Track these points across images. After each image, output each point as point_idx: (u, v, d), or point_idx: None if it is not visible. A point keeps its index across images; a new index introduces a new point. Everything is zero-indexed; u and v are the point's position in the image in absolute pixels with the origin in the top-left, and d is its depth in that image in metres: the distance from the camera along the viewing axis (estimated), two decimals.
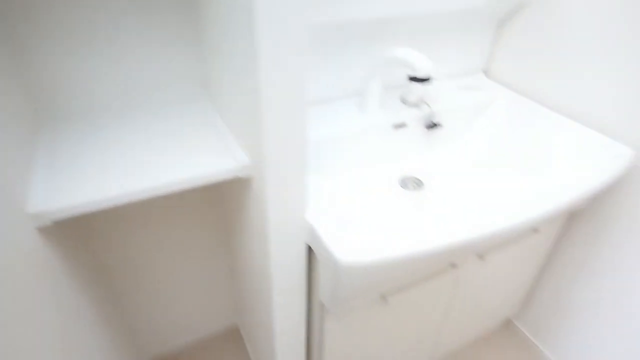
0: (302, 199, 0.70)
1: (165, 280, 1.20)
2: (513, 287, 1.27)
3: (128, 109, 0.86)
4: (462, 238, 0.72)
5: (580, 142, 1.03)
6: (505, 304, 1.34)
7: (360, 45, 1.03)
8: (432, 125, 1.12)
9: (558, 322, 1.32)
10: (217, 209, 1.14)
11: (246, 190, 0.78)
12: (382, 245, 0.68)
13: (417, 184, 1.06)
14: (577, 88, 1.07)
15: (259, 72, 0.53)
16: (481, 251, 0.99)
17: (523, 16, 1.16)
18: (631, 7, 0.91)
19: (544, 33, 1.11)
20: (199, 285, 1.28)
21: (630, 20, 0.92)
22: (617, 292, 1.11)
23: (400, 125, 1.08)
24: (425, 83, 0.91)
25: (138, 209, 1.02)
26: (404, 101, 1.12)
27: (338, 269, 0.66)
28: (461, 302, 1.13)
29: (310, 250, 0.79)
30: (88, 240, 0.98)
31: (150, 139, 0.76)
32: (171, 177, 0.65)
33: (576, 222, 1.17)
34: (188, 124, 0.82)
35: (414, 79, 0.92)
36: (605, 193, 1.08)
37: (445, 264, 0.93)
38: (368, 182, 1.03)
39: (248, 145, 0.69)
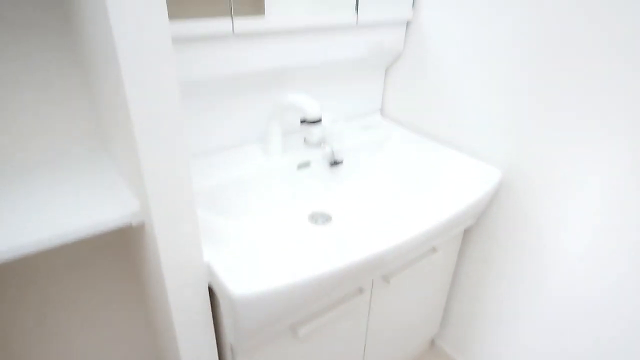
0: (196, 241, 0.73)
1: (76, 338, 1.13)
2: (427, 307, 1.35)
3: (20, 167, 0.85)
4: (358, 258, 0.78)
5: (460, 167, 1.17)
6: (426, 325, 1.41)
7: (259, 93, 1.12)
8: (335, 163, 1.21)
9: (473, 336, 1.41)
10: (127, 259, 1.12)
11: (142, 237, 0.79)
12: (279, 274, 0.72)
13: (326, 218, 1.12)
14: (455, 121, 1.23)
15: (133, 125, 0.57)
16: (385, 273, 1.06)
17: (403, 63, 1.33)
18: (489, 54, 1.09)
19: (421, 76, 1.28)
20: (117, 341, 1.21)
21: (490, 64, 1.10)
22: (511, 299, 1.23)
23: (304, 165, 1.16)
24: (316, 125, 1.01)
25: (40, 263, 0.97)
26: (307, 142, 1.21)
27: (233, 301, 0.68)
28: (378, 328, 1.18)
29: (212, 291, 0.80)
30: None
31: (39, 193, 0.76)
32: (55, 230, 0.65)
33: (471, 239, 1.30)
34: (80, 175, 0.83)
35: (305, 121, 1.01)
36: (487, 210, 1.22)
37: (352, 289, 0.99)
38: (276, 221, 1.08)
39: (138, 193, 0.71)
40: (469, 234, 1.30)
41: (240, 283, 0.69)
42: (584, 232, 1.00)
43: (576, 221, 1.01)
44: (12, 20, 0.76)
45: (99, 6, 0.53)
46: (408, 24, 1.27)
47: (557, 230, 1.06)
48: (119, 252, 1.10)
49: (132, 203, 0.73)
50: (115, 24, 0.51)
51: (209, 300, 0.81)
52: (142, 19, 0.53)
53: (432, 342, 1.58)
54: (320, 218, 1.12)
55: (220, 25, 0.90)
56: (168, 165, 0.63)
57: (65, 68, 0.83)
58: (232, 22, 0.91)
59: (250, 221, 1.04)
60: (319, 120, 1.01)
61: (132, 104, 0.56)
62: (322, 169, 1.20)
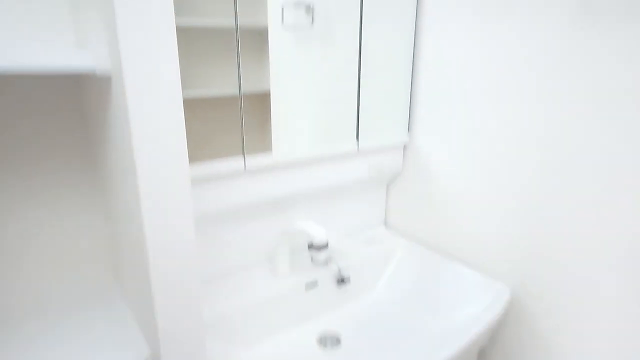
0: None
1: None
2: None
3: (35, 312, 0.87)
4: None
5: (466, 284, 1.18)
6: None
7: (267, 218, 1.18)
8: (342, 281, 1.22)
9: None
10: None
11: None
12: None
13: (335, 341, 1.10)
14: (458, 234, 1.27)
15: (149, 267, 0.61)
16: None
17: (403, 180, 1.42)
18: (481, 170, 1.18)
19: (421, 192, 1.35)
20: None
21: (489, 180, 1.18)
22: None
23: (312, 285, 1.17)
24: (323, 249, 1.05)
25: None
26: (313, 261, 1.24)
27: None
28: None
29: None
30: None
31: (55, 336, 0.77)
32: None
33: (485, 357, 1.25)
34: (91, 316, 0.85)
35: (312, 246, 1.06)
36: (499, 328, 1.19)
37: None
38: (285, 346, 1.06)
39: (148, 337, 0.73)
40: (483, 355, 1.25)
41: None
42: (602, 344, 0.97)
43: (592, 333, 0.98)
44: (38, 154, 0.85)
45: (127, 158, 0.61)
46: (405, 146, 1.39)
47: (572, 344, 1.02)
48: None
49: (143, 347, 0.74)
50: (142, 182, 0.59)
51: None
52: (165, 171, 0.60)
53: None
54: (329, 341, 1.10)
55: (233, 164, 0.99)
56: (180, 305, 0.66)
57: (82, 202, 0.91)
58: (244, 161, 1.01)
59: (259, 349, 1.03)
60: (325, 246, 1.05)
61: (152, 254, 0.61)
62: (329, 287, 1.21)
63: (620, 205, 0.91)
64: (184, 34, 0.70)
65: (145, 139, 0.59)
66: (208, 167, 0.95)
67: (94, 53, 0.63)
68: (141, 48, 0.57)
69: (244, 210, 1.10)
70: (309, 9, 1.09)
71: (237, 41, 0.94)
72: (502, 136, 1.10)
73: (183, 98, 0.62)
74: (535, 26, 0.98)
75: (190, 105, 0.76)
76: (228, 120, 0.98)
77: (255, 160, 1.03)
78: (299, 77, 1.12)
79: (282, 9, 1.03)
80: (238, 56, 0.95)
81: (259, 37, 1.01)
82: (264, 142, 1.06)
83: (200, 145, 0.94)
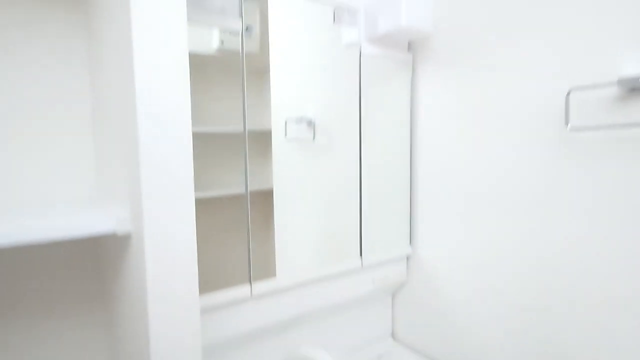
0: None
1: None
2: None
3: None
4: None
5: None
6: None
7: (272, 339, 1.16)
8: None
9: None
10: None
11: None
12: None
13: None
14: (466, 346, 1.23)
15: None
16: None
17: (408, 289, 1.41)
18: (484, 280, 1.18)
19: (427, 301, 1.34)
20: None
21: (485, 288, 1.17)
22: None
23: None
24: None
25: None
26: None
27: None
28: None
29: None
30: None
31: None
32: None
33: None
34: None
35: None
36: None
37: None
38: None
39: None
40: None
41: None
42: None
43: None
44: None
45: (141, 315, 0.63)
46: (408, 257, 1.41)
47: None
48: None
49: None
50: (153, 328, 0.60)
51: None
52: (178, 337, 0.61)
53: None
54: None
55: (241, 291, 1.01)
56: None
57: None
58: (251, 287, 1.02)
59: None
60: None
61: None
62: None
63: (622, 318, 0.90)
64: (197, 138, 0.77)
65: (159, 298, 0.62)
66: (216, 296, 0.97)
67: (115, 214, 0.69)
68: (161, 212, 0.63)
69: (249, 335, 1.08)
70: (311, 124, 1.19)
71: (246, 153, 1.01)
72: (502, 247, 1.13)
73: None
74: (527, 149, 1.07)
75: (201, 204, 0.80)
76: (235, 218, 1.02)
77: (261, 286, 1.05)
78: (301, 191, 1.18)
79: (286, 122, 1.12)
80: (246, 173, 1.02)
81: (264, 145, 1.09)
82: (267, 268, 1.09)
83: (209, 277, 0.97)
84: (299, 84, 1.15)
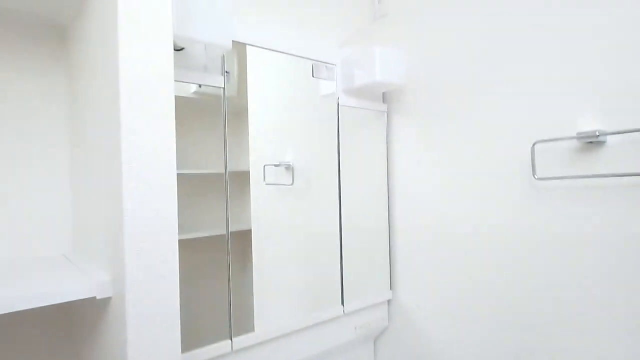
0: None
1: None
2: None
3: None
4: None
5: None
6: None
7: None
8: None
9: None
10: None
11: None
12: None
13: None
14: None
15: None
16: None
17: (390, 333, 1.41)
18: (463, 325, 1.19)
19: (409, 345, 1.34)
20: None
21: (465, 333, 1.18)
22: None
23: None
24: None
25: None
26: None
27: None
28: None
29: None
30: None
31: None
32: None
33: None
34: None
35: None
36: None
37: None
38: None
39: None
40: None
41: None
42: None
43: None
44: None
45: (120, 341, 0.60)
46: (389, 302, 1.41)
47: None
48: None
49: None
50: None
51: None
52: None
53: None
54: None
55: (221, 347, 0.98)
56: None
57: None
58: (232, 343, 1.00)
59: None
60: None
61: None
62: None
63: (599, 347, 0.93)
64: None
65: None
66: (198, 352, 0.94)
67: (95, 278, 0.67)
68: (144, 276, 0.62)
69: None
70: (289, 168, 1.21)
71: (227, 195, 1.01)
72: (479, 288, 1.16)
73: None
74: (499, 196, 1.12)
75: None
76: (214, 261, 1.00)
77: (240, 341, 1.03)
78: (280, 235, 1.18)
79: (264, 167, 1.13)
80: (227, 214, 1.01)
81: (241, 186, 1.09)
82: (245, 323, 1.07)
83: (187, 325, 0.94)
84: (277, 129, 1.18)
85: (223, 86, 1.03)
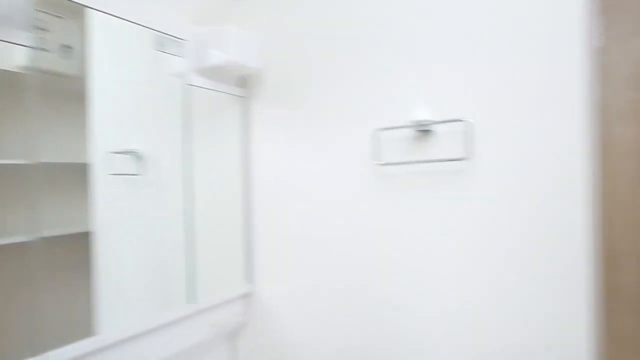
0: None
1: None
2: None
3: None
4: None
5: None
6: None
7: None
8: None
9: None
10: None
11: None
12: None
13: None
14: None
15: None
16: None
17: (250, 330, 1.35)
18: (322, 317, 1.20)
19: (270, 344, 1.30)
20: None
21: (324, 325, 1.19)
22: None
23: None
24: None
25: None
26: None
27: None
28: None
29: None
30: None
31: None
32: None
33: None
34: None
35: None
36: None
37: None
38: None
39: None
40: None
41: None
42: None
43: None
44: None
45: None
46: (247, 296, 1.35)
47: None
48: None
49: None
50: None
51: None
52: None
53: None
54: None
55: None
56: None
57: None
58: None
59: None
60: None
61: None
62: None
63: (449, 328, 1.03)
64: None
65: None
66: None
67: None
68: None
69: None
70: (138, 158, 1.07)
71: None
72: (333, 275, 1.19)
73: None
74: (350, 182, 1.16)
75: None
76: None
77: (81, 346, 0.85)
78: (126, 232, 1.03)
79: (108, 156, 0.99)
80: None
81: (80, 180, 0.93)
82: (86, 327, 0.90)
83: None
84: (125, 114, 1.03)
85: (33, 46, 0.84)
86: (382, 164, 1.09)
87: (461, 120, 0.99)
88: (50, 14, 0.93)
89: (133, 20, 1.01)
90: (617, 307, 1.00)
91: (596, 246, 0.98)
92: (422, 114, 1.04)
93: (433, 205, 1.04)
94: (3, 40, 0.79)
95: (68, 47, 0.97)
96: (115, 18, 0.97)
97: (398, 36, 1.09)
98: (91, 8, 0.92)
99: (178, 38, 1.14)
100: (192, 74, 1.18)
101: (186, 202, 1.16)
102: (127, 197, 1.04)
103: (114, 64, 1.02)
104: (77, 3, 0.90)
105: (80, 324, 0.92)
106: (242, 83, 1.35)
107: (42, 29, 0.89)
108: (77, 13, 0.94)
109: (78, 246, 0.95)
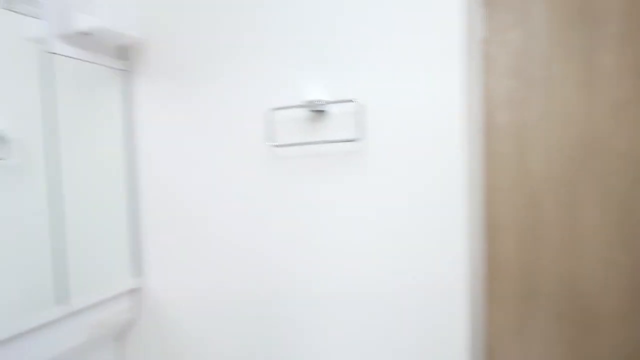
0: None
1: None
2: None
3: None
4: None
5: None
6: None
7: None
8: None
9: None
10: None
11: None
12: None
13: None
14: None
15: None
16: None
17: (140, 329, 1.24)
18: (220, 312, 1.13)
19: (161, 340, 1.21)
20: None
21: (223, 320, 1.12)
22: None
23: None
24: None
25: None
26: None
27: None
28: None
29: None
30: None
31: None
32: None
33: None
34: None
35: None
36: None
37: None
38: None
39: None
40: None
41: None
42: None
43: None
44: None
45: None
46: (134, 291, 1.23)
47: None
48: None
49: None
50: None
51: None
52: None
53: None
54: None
55: None
56: None
57: None
58: None
59: None
60: None
61: None
62: None
63: (345, 312, 1.02)
64: None
65: None
66: None
67: None
68: None
69: None
70: (3, 140, 0.90)
71: None
72: (228, 263, 1.13)
73: None
74: (245, 165, 1.09)
75: None
76: None
77: None
78: None
79: None
80: None
81: None
82: None
83: None
84: None
85: None
86: (277, 145, 1.04)
87: (353, 101, 0.97)
88: None
89: None
90: (498, 274, 1.08)
91: (481, 222, 1.04)
92: (316, 94, 1.01)
93: (327, 187, 1.03)
94: None
95: None
96: None
97: (293, 13, 1.03)
98: None
99: None
100: (55, 40, 1.01)
101: (52, 191, 1.01)
102: None
103: None
104: None
105: None
106: (124, 55, 1.19)
107: None
108: None
109: None
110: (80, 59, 1.07)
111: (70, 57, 1.04)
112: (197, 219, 1.15)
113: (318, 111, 1.01)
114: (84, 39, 1.05)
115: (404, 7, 0.95)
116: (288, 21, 1.03)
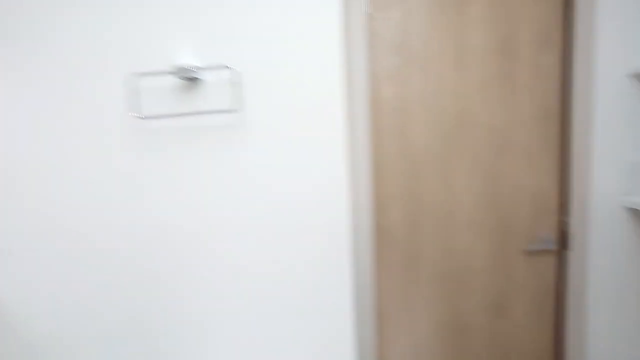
0: None
1: None
2: None
3: None
4: None
5: None
6: None
7: None
8: None
9: None
10: None
11: None
12: None
13: None
14: None
15: None
16: None
17: None
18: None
19: None
20: None
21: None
22: None
23: None
24: None
25: None
26: None
27: None
28: None
29: None
30: None
31: None
32: None
33: None
34: None
35: None
36: None
37: None
38: None
39: None
40: None
41: None
42: None
43: None
44: None
45: None
46: None
47: None
48: None
49: None
50: None
51: None
52: None
53: None
54: None
55: None
56: None
57: None
58: None
59: None
60: None
61: None
62: None
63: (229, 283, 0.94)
64: None
65: None
66: None
67: None
68: None
69: None
70: None
71: None
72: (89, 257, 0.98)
73: None
74: (101, 137, 0.94)
75: None
76: None
77: None
78: None
79: None
80: None
81: None
82: None
83: None
84: None
85: None
86: (143, 117, 0.92)
87: (228, 67, 0.89)
88: None
89: None
90: (385, 243, 1.10)
91: (370, 191, 1.04)
92: (187, 59, 0.90)
93: (204, 163, 0.93)
94: None
95: None
96: None
97: None
98: None
99: None
100: None
101: None
102: None
103: None
104: None
105: None
106: None
107: None
108: None
109: None
110: None
111: None
112: (46, 203, 0.97)
113: (191, 79, 0.91)
114: None
115: None
116: None
